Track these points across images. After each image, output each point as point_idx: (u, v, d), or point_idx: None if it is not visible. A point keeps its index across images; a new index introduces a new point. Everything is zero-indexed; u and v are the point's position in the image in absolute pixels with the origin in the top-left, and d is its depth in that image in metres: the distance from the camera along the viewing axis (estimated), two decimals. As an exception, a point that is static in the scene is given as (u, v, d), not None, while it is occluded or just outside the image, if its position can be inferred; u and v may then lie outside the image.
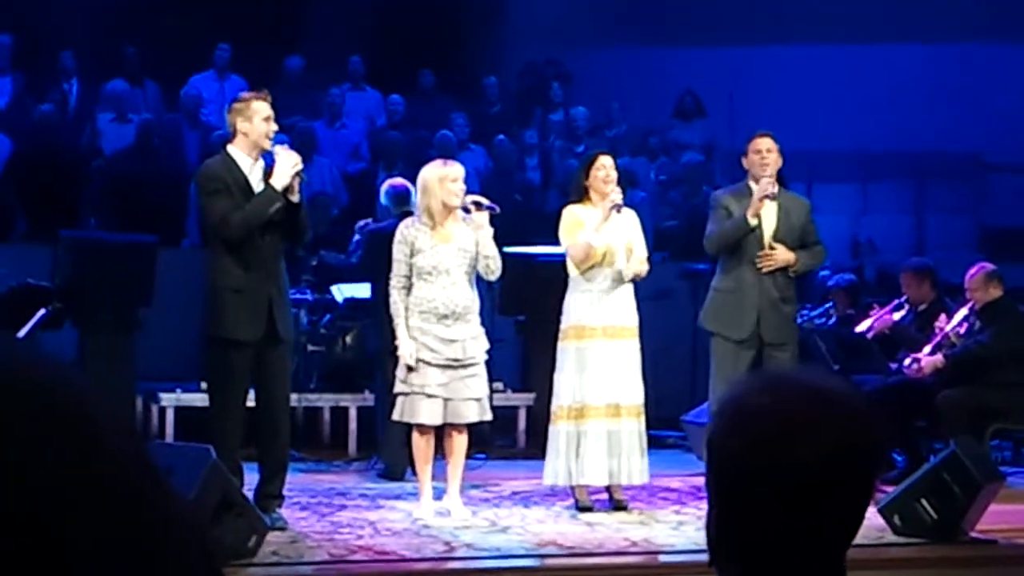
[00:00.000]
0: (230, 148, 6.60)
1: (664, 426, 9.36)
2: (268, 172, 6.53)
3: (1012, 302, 8.65)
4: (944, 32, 13.74)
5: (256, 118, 6.49)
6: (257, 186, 6.52)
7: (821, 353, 8.98)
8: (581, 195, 7.32)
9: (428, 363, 6.93)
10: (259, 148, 6.53)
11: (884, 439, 1.68)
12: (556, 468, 7.23)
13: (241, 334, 6.48)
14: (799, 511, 1.60)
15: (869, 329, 8.81)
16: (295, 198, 6.49)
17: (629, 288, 7.30)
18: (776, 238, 7.42)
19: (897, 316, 8.81)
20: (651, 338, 7.60)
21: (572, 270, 7.28)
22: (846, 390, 1.69)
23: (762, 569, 1.63)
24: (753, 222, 7.33)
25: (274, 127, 6.56)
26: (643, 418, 7.28)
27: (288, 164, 6.45)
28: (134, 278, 8.86)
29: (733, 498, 1.64)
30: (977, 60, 13.83)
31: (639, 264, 7.25)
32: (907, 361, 8.51)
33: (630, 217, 7.39)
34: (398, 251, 7.02)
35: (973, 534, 6.60)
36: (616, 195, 7.19)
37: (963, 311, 8.56)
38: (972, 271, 8.65)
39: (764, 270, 7.36)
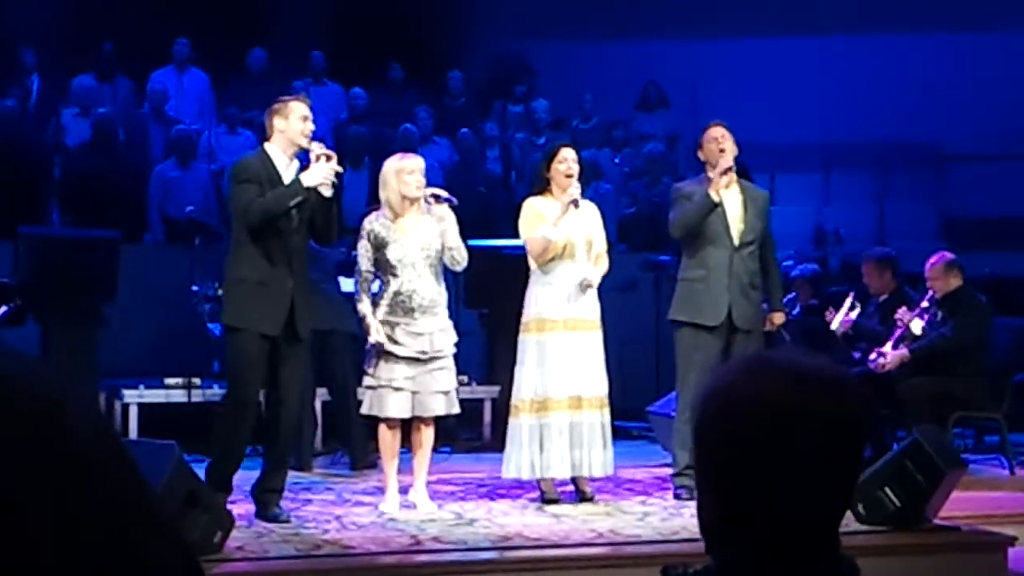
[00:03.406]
0: (267, 146, 6.68)
1: (629, 417, 9.39)
2: (301, 173, 6.61)
3: (972, 291, 8.71)
4: (904, 23, 13.83)
5: (293, 116, 6.60)
6: None
7: (786, 343, 9.01)
8: (543, 187, 7.32)
9: (395, 356, 6.93)
10: (296, 146, 6.61)
11: (868, 409, 1.70)
12: (519, 462, 7.23)
13: (263, 327, 6.51)
14: (793, 493, 1.62)
15: (838, 328, 8.86)
16: (328, 192, 6.54)
17: (591, 279, 7.31)
18: (743, 215, 7.43)
19: (853, 315, 8.86)
20: (615, 330, 7.61)
21: (533, 263, 7.29)
22: (826, 367, 1.71)
23: (759, 551, 1.65)
24: (716, 198, 7.35)
25: (311, 126, 6.65)
26: (607, 410, 7.28)
27: (325, 169, 6.52)
28: (96, 274, 8.82)
29: (726, 487, 1.66)
30: (937, 50, 13.92)
31: (597, 270, 7.26)
32: (872, 355, 8.54)
33: (591, 210, 7.39)
34: (361, 245, 7.02)
35: (936, 521, 6.65)
36: (574, 190, 7.19)
37: (924, 303, 8.60)
38: (932, 260, 8.70)
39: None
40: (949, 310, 8.55)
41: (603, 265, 7.32)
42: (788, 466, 1.62)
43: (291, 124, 6.60)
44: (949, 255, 8.76)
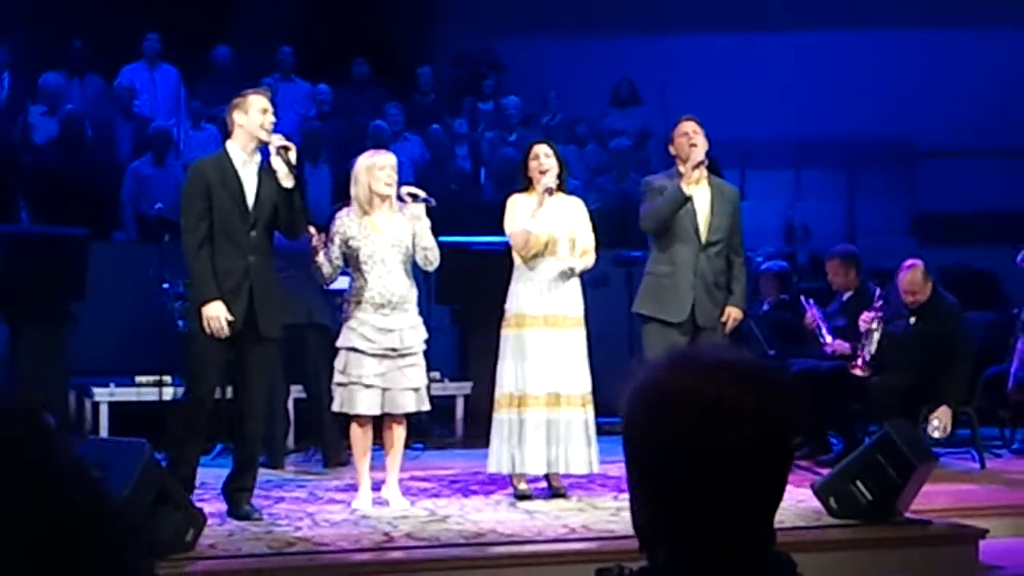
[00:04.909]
0: (228, 144, 6.63)
1: (601, 413, 9.37)
2: (263, 168, 6.55)
3: (942, 295, 8.65)
4: (876, 20, 13.88)
5: (252, 109, 6.54)
6: (248, 183, 6.54)
7: (756, 337, 9.02)
8: (525, 184, 7.33)
9: (364, 353, 6.91)
10: (256, 140, 6.55)
11: (799, 407, 1.69)
12: (500, 456, 7.23)
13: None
14: (725, 488, 1.61)
15: (830, 345, 8.78)
16: (288, 184, 6.48)
17: (574, 278, 7.30)
18: (711, 214, 7.43)
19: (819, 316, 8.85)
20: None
21: (516, 259, 7.28)
22: (758, 364, 1.70)
23: (692, 548, 1.64)
24: (688, 191, 7.35)
25: (272, 118, 6.59)
26: (590, 407, 7.26)
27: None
28: (65, 272, 8.77)
29: (658, 482, 1.64)
30: (908, 46, 13.98)
31: (580, 259, 7.25)
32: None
33: (574, 206, 7.38)
34: (330, 240, 6.99)
35: (907, 514, 6.68)
36: (547, 179, 7.20)
37: (877, 303, 8.53)
38: (906, 273, 8.50)
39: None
40: (921, 317, 8.47)
41: (588, 259, 7.31)
42: (718, 461, 1.60)
43: (250, 118, 6.53)
44: (919, 262, 8.59)
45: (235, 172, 6.53)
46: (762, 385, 1.64)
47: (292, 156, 6.52)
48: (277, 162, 6.53)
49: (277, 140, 6.55)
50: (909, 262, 8.63)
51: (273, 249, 6.69)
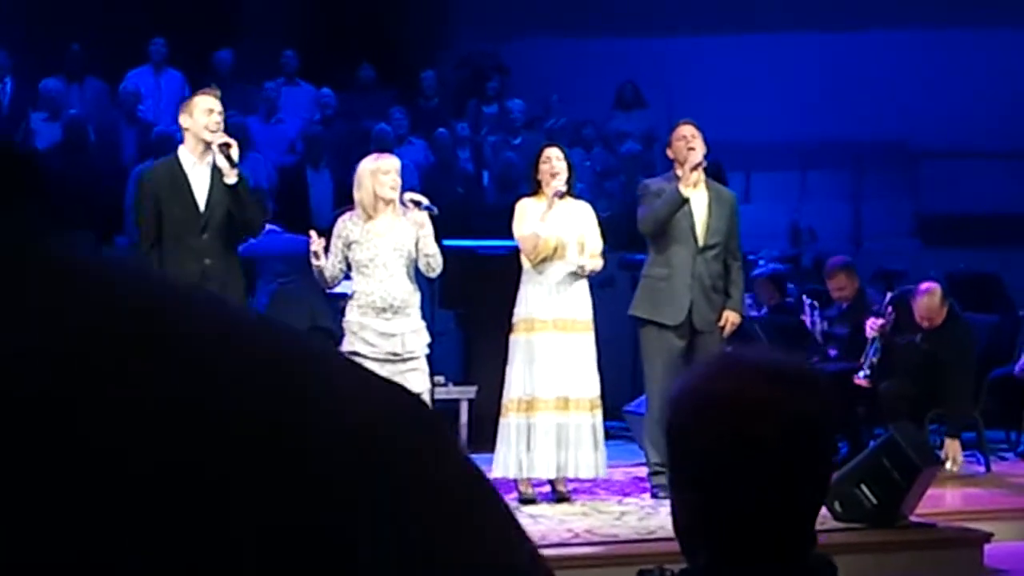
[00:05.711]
0: (180, 148, 6.67)
1: (606, 417, 9.36)
2: (216, 170, 6.56)
3: (955, 317, 8.56)
4: (878, 21, 13.87)
5: (197, 111, 6.54)
6: (199, 185, 6.54)
7: (759, 340, 9.01)
8: (534, 187, 7.33)
9: (366, 357, 6.89)
10: (203, 142, 6.55)
11: (833, 405, 1.70)
12: (507, 461, 7.21)
13: None
14: (766, 491, 1.61)
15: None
16: (230, 180, 6.48)
17: (583, 281, 7.28)
18: (709, 217, 7.42)
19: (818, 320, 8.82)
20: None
21: (525, 263, 7.27)
22: (794, 364, 1.70)
23: (734, 550, 1.63)
24: (686, 193, 7.33)
25: (217, 119, 6.57)
26: (598, 411, 7.25)
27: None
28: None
29: (699, 486, 1.64)
30: (910, 48, 13.96)
31: (590, 260, 7.24)
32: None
33: (583, 210, 7.37)
34: (333, 244, 6.99)
35: (912, 518, 6.66)
36: (557, 182, 7.19)
37: (888, 309, 8.47)
38: (923, 299, 8.33)
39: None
40: (931, 340, 8.37)
41: (597, 262, 7.30)
42: (761, 464, 1.61)
43: (195, 120, 6.54)
44: (936, 286, 8.41)
45: (184, 176, 6.55)
46: (805, 387, 1.64)
47: (234, 153, 6.52)
48: (220, 159, 6.53)
49: (218, 138, 6.55)
50: (925, 286, 8.45)
51: (232, 251, 6.67)
